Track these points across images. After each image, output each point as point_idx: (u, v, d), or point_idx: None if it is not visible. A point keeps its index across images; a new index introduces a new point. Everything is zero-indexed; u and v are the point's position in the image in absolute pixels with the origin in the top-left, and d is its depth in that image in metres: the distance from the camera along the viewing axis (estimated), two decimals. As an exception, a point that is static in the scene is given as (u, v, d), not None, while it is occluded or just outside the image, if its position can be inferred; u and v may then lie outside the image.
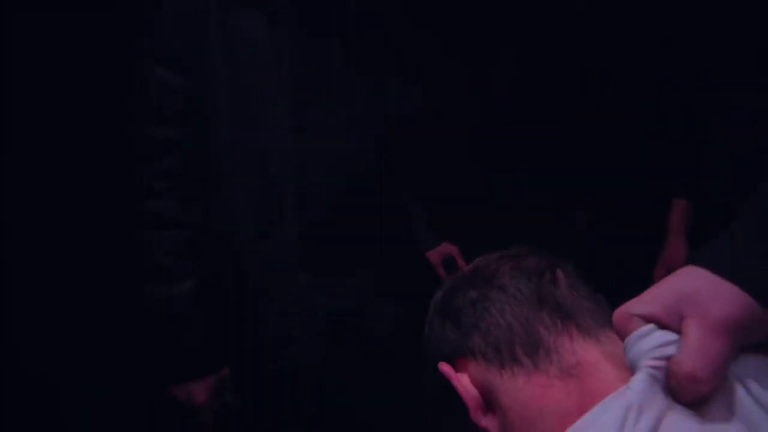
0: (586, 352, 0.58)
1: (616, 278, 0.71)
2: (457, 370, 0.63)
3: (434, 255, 1.72)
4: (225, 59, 1.16)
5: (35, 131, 1.72)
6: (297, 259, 1.24)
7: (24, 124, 1.71)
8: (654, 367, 0.48)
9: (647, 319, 0.50)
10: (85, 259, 1.90)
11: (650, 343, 0.49)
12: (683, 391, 0.47)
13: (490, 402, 0.61)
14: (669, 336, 0.48)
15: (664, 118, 1.69)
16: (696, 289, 0.48)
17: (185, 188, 1.18)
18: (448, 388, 0.65)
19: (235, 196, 1.20)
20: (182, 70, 1.16)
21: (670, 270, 1.79)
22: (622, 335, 0.51)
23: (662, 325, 0.49)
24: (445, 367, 0.63)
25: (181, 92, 1.16)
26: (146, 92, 1.16)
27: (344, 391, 1.41)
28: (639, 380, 0.48)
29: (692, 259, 0.50)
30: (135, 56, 1.17)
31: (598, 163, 1.87)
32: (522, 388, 0.58)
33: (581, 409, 0.52)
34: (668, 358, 0.48)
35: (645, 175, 1.77)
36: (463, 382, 0.62)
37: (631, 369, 0.51)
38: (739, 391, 0.48)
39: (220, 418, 1.28)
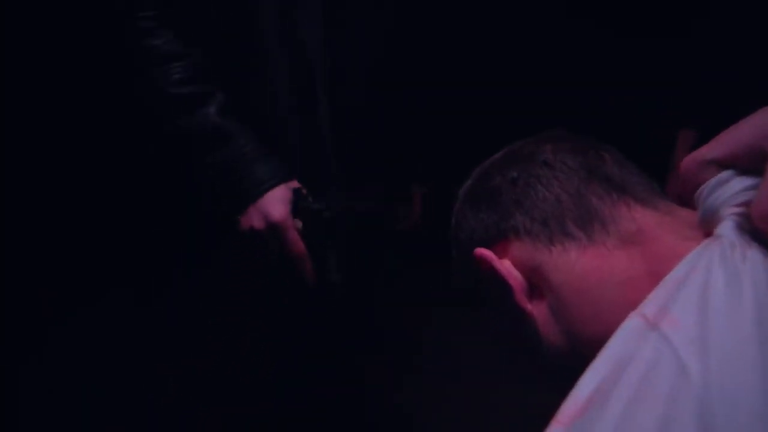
0: (646, 218, 0.53)
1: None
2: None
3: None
4: None
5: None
6: (329, 141, 1.20)
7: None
8: (739, 215, 0.44)
9: (724, 163, 0.46)
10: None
11: (731, 190, 0.45)
12: (764, 234, 0.43)
13: (536, 285, 0.56)
14: (750, 181, 0.45)
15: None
16: None
17: (174, 26, 1.13)
18: (480, 282, 0.60)
19: (272, 67, 1.16)
20: None
21: None
22: (691, 186, 0.47)
23: (741, 170, 0.45)
24: (483, 252, 0.58)
25: None
26: None
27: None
28: (728, 227, 0.44)
29: None
30: None
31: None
32: (576, 262, 0.53)
33: (650, 274, 0.48)
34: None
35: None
36: (506, 265, 0.57)
37: (703, 225, 0.47)
38: None
39: (322, 294, 1.21)
